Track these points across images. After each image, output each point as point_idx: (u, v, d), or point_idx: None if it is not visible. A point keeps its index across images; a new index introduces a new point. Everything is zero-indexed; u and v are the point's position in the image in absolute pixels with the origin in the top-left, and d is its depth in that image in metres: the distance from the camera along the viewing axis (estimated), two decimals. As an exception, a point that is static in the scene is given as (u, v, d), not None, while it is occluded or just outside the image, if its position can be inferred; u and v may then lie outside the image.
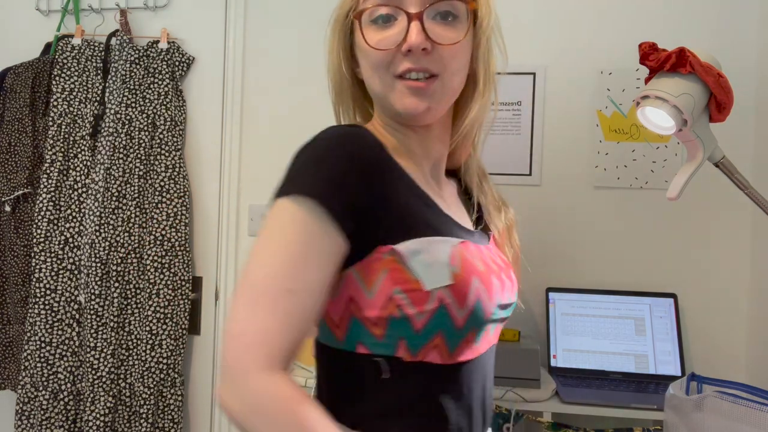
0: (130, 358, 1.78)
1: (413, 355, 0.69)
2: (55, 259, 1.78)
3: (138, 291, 1.79)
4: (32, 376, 1.75)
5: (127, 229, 1.79)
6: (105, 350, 1.74)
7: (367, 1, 0.74)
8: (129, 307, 1.79)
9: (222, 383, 0.61)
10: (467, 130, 0.81)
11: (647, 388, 1.49)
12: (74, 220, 1.79)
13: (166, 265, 1.79)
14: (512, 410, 1.41)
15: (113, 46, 1.84)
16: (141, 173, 1.80)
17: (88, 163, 1.81)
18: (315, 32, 1.80)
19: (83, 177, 1.81)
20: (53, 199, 1.79)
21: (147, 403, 1.75)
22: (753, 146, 1.67)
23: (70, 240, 1.79)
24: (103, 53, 1.84)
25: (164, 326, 1.77)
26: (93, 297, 1.74)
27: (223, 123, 1.88)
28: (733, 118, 1.08)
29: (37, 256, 1.77)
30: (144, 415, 1.75)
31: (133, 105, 1.82)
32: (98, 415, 1.72)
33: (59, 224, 1.79)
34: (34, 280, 1.76)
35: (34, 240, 1.77)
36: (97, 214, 1.76)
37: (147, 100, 1.83)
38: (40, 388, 1.75)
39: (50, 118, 1.81)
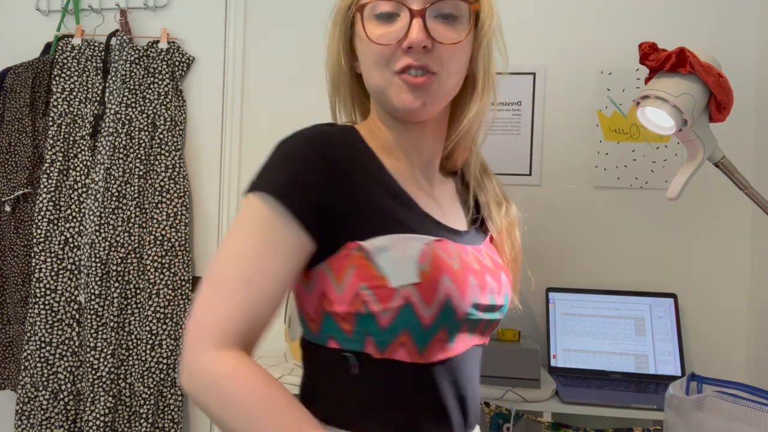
0: (130, 358, 1.78)
1: (381, 352, 0.70)
2: (55, 259, 1.78)
3: (138, 291, 1.79)
4: (32, 376, 1.75)
5: (127, 229, 1.79)
6: (105, 350, 1.74)
7: None
8: (129, 307, 1.79)
9: (181, 364, 0.64)
10: (465, 131, 0.81)
11: (647, 388, 1.49)
12: (74, 220, 1.80)
13: (166, 265, 1.79)
14: (512, 410, 1.41)
15: (113, 46, 1.84)
16: (141, 173, 1.80)
17: (88, 163, 1.81)
18: (315, 32, 1.79)
19: (83, 177, 1.81)
20: (53, 199, 1.79)
21: (147, 403, 1.75)
22: (753, 146, 1.67)
23: (70, 240, 1.79)
24: (103, 53, 1.84)
25: (164, 326, 1.77)
26: (93, 297, 1.74)
27: (223, 123, 1.88)
28: (733, 118, 1.08)
29: (37, 256, 1.77)
30: (144, 415, 1.75)
31: (133, 105, 1.82)
32: (98, 415, 1.72)
33: (59, 224, 1.79)
34: (34, 280, 1.76)
35: (34, 240, 1.77)
36: (97, 214, 1.76)
37: (147, 100, 1.83)
38: (40, 388, 1.75)
39: (50, 118, 1.82)
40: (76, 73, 1.84)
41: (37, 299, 1.76)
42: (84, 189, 1.80)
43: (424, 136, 0.81)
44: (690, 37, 1.67)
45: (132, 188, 1.80)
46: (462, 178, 0.91)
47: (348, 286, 0.68)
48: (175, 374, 1.78)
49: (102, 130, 1.80)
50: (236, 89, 1.87)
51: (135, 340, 1.79)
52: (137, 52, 1.84)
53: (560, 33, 1.75)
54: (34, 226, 1.77)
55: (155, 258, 1.78)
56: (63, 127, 1.82)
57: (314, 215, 0.68)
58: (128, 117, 1.81)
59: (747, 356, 1.66)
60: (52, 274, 1.77)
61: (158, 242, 1.79)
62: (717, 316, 1.68)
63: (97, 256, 1.75)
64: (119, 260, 1.77)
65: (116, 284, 1.76)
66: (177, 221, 1.80)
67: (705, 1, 1.69)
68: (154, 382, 1.76)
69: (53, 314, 1.77)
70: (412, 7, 0.72)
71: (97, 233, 1.75)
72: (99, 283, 1.75)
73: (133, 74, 1.83)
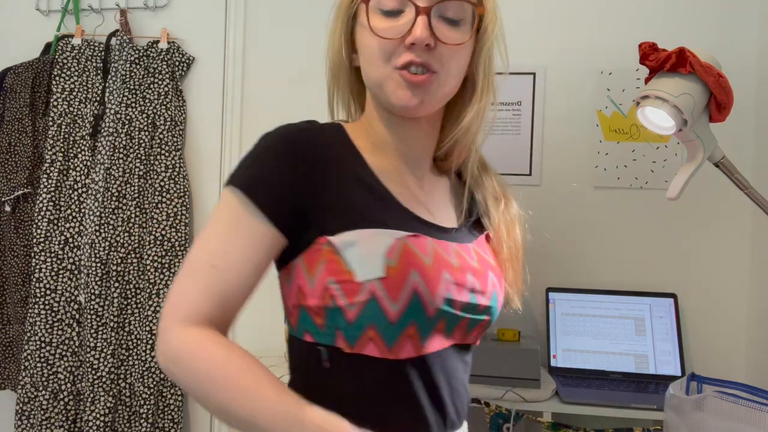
0: (130, 358, 1.78)
1: (351, 346, 0.71)
2: (55, 259, 1.78)
3: (138, 291, 1.80)
4: (32, 376, 1.75)
5: (127, 229, 1.79)
6: (105, 350, 1.74)
7: None
8: (129, 307, 1.79)
9: (156, 342, 0.68)
10: (463, 131, 0.80)
11: (647, 388, 1.49)
12: (74, 220, 1.80)
13: (166, 265, 1.79)
14: (512, 410, 1.41)
15: (113, 46, 1.84)
16: (141, 173, 1.80)
17: (88, 163, 1.81)
18: (315, 32, 1.79)
19: (83, 177, 1.81)
20: (53, 199, 1.79)
21: (147, 403, 1.75)
22: (753, 146, 1.67)
23: (70, 240, 1.79)
24: (103, 53, 1.84)
25: (164, 326, 1.77)
26: (93, 297, 1.74)
27: (223, 123, 1.88)
28: (733, 118, 1.08)
29: (37, 256, 1.77)
30: (144, 415, 1.75)
31: (133, 105, 1.82)
32: (98, 415, 1.72)
33: (59, 224, 1.79)
34: (34, 280, 1.76)
35: (34, 240, 1.77)
36: (97, 214, 1.76)
37: (147, 100, 1.83)
38: (40, 388, 1.75)
39: (50, 118, 1.82)
40: (76, 73, 1.84)
41: (37, 299, 1.76)
42: (84, 189, 1.80)
43: (416, 133, 0.81)
44: (690, 37, 1.67)
45: (132, 188, 1.80)
46: (460, 177, 0.90)
47: (318, 281, 0.70)
48: (175, 374, 1.78)
49: (102, 130, 1.80)
50: (236, 89, 1.87)
51: (135, 340, 1.79)
52: (137, 52, 1.84)
53: (560, 33, 1.75)
54: (34, 226, 1.77)
55: (155, 258, 1.78)
56: (63, 127, 1.82)
57: (281, 211, 0.71)
58: (128, 117, 1.81)
59: (747, 356, 1.66)
60: (52, 274, 1.77)
61: (158, 242, 1.79)
62: (717, 316, 1.68)
63: (97, 256, 1.75)
64: (119, 260, 1.77)
65: (116, 284, 1.76)
66: (177, 221, 1.80)
67: (705, 1, 1.69)
68: (154, 382, 1.76)
69: (53, 314, 1.77)
70: (418, 3, 0.72)
71: (97, 233, 1.75)
72: (99, 283, 1.75)
73: (133, 74, 1.83)
